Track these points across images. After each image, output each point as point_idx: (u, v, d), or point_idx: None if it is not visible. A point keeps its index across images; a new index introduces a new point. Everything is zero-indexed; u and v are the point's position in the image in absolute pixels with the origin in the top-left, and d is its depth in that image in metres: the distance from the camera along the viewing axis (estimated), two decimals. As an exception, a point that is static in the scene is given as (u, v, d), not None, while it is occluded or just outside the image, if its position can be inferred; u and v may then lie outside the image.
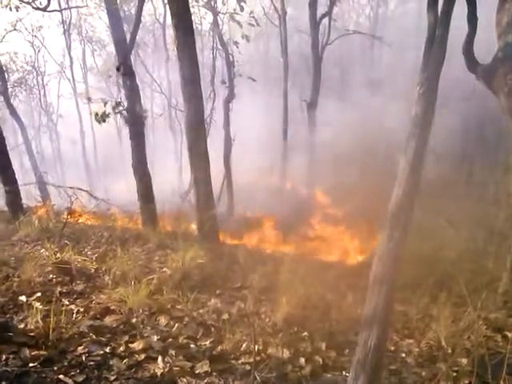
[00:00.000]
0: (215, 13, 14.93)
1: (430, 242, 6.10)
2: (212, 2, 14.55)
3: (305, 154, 16.00)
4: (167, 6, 9.34)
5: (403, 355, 3.56)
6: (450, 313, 3.80)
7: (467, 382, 3.07)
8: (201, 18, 20.67)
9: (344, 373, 3.17)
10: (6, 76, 19.01)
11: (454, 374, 3.18)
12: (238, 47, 15.60)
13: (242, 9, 13.10)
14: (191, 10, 6.85)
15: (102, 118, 8.88)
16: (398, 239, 2.58)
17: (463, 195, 10.37)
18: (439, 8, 2.72)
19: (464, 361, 3.29)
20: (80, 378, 2.66)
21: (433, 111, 2.67)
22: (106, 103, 9.02)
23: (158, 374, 2.85)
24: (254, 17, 14.56)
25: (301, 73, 20.79)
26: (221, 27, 15.96)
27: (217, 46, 16.69)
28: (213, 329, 3.77)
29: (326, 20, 16.09)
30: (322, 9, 16.38)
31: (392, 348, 3.66)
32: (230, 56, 15.15)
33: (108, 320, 3.62)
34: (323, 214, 13.44)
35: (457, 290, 4.31)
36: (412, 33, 19.08)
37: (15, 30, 21.13)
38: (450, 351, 3.47)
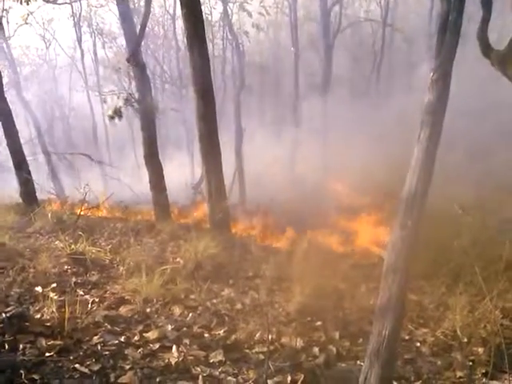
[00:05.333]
0: (225, 2, 14.86)
1: (445, 229, 6.03)
2: (222, -8, 14.48)
3: (316, 140, 15.92)
4: (177, -4, 9.26)
5: (418, 344, 3.54)
6: (466, 302, 3.76)
7: (483, 371, 3.04)
8: (211, 8, 20.58)
9: (358, 362, 3.16)
10: (18, 69, 19.16)
11: (470, 364, 3.16)
12: (248, 37, 15.53)
13: (251, -3, 13.01)
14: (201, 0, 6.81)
15: (115, 114, 8.90)
16: (411, 227, 2.55)
17: (479, 183, 10.23)
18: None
19: (480, 350, 3.26)
20: (96, 367, 2.68)
21: (446, 98, 2.61)
22: (118, 97, 9.06)
23: (173, 363, 2.87)
24: (263, 6, 14.46)
25: (312, 61, 20.60)
26: (231, 17, 15.89)
27: (227, 36, 16.65)
28: (226, 318, 3.78)
29: (336, 8, 15.95)
30: (332, -4, 16.20)
31: (406, 337, 3.64)
32: (240, 46, 15.09)
33: (122, 310, 3.66)
34: (338, 202, 13.31)
35: (472, 278, 4.26)
36: (424, 19, 18.80)
37: (26, 23, 21.24)
38: (465, 340, 3.43)
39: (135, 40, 9.00)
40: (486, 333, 3.39)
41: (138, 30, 9.16)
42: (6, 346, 2.74)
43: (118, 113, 8.89)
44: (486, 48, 4.33)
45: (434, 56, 2.68)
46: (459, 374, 3.05)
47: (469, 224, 6.28)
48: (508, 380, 2.79)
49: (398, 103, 14.88)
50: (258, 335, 3.42)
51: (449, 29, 2.63)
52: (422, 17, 19.93)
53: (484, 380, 2.97)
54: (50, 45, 25.44)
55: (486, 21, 4.11)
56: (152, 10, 13.23)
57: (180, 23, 18.13)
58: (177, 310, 3.81)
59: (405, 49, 21.21)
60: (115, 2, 11.04)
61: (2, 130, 8.72)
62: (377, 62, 20.15)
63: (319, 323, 3.79)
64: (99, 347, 2.94)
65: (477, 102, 13.47)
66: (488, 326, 3.44)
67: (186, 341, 3.22)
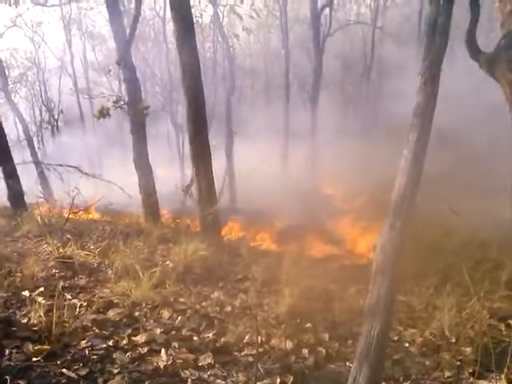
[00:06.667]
0: (216, 5, 14.87)
1: (434, 231, 6.08)
2: (212, -6, 14.50)
3: (307, 145, 15.94)
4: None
5: (406, 345, 3.55)
6: (454, 302, 3.78)
7: (471, 370, 3.06)
8: (201, 11, 20.52)
9: (347, 363, 3.16)
10: (7, 72, 18.99)
11: (458, 363, 3.18)
12: (238, 40, 15.55)
13: (242, 1, 13.05)
14: (191, 2, 6.79)
15: (102, 114, 8.86)
16: (400, 228, 2.55)
17: (470, 185, 10.31)
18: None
19: (468, 350, 3.28)
20: (83, 372, 2.66)
21: (435, 100, 2.63)
22: (108, 100, 9.01)
23: (161, 366, 2.85)
24: (254, 9, 14.50)
25: (302, 64, 20.67)
26: (221, 20, 15.89)
27: (217, 38, 16.64)
28: (216, 321, 3.77)
29: (327, 11, 16.01)
30: (322, -1, 16.26)
31: (395, 338, 3.65)
32: (231, 49, 15.10)
33: (111, 314, 3.63)
34: (330, 206, 13.34)
35: (460, 279, 4.29)
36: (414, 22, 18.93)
37: (15, 25, 21.07)
38: (453, 340, 3.45)
39: (125, 43, 8.96)
40: (474, 333, 3.41)
41: (127, 33, 9.12)
42: (-8, 352, 2.71)
43: (104, 112, 8.84)
44: (475, 51, 4.37)
45: (422, 58, 2.70)
46: (447, 373, 3.07)
47: (459, 226, 6.33)
48: (495, 379, 2.81)
49: (388, 104, 14.92)
50: (247, 338, 3.42)
51: (437, 31, 2.65)
52: (411, 20, 20.07)
53: (471, 379, 2.99)
54: (39, 47, 25.21)
55: (474, 24, 4.15)
56: (142, 12, 13.20)
57: (171, 26, 18.10)
58: (166, 314, 3.79)
59: (395, 51, 21.34)
60: (105, 5, 10.99)
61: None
62: (367, 64, 20.30)
63: (308, 325, 3.79)
64: (87, 351, 2.91)
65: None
66: (476, 326, 3.46)
67: (175, 344, 3.21)
